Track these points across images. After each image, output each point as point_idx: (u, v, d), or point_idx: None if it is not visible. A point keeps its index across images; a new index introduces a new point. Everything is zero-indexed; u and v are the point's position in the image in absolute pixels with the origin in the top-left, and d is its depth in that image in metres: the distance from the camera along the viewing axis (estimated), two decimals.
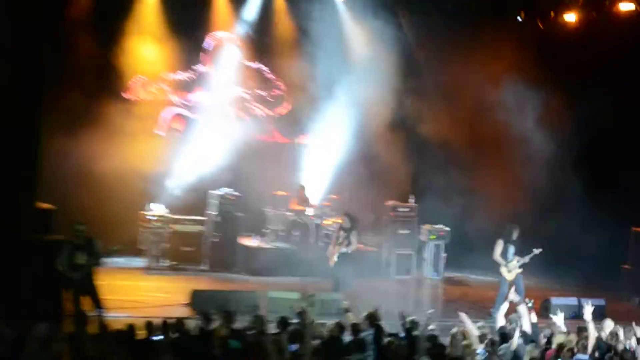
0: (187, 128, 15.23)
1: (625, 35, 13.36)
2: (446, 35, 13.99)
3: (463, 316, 7.86)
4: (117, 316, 8.81)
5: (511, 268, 10.51)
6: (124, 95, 14.34)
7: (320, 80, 14.18)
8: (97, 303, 9.28)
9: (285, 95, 15.23)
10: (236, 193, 13.61)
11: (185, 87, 15.28)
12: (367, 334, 6.89)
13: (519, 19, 14.64)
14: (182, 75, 15.19)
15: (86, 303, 9.16)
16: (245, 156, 14.05)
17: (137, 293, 11.05)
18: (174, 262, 13.18)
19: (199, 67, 15.27)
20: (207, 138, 14.83)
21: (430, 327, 7.13)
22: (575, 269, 13.28)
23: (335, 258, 10.85)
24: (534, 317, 8.22)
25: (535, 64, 13.75)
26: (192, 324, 7.14)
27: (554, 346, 7.02)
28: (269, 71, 15.27)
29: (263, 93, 15.43)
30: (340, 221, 11.98)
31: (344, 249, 10.72)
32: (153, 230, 12.95)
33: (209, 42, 15.19)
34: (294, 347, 6.56)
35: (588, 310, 7.59)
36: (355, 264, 11.28)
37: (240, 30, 15.31)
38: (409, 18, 14.39)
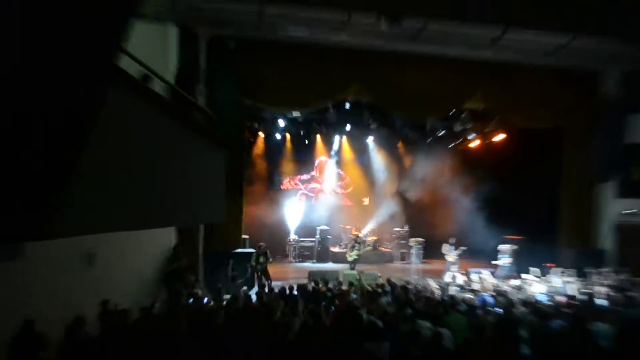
0: (307, 201, 23.72)
1: (499, 151, 21.49)
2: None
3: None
4: (275, 284, 13.49)
5: (452, 257, 17.22)
6: (281, 187, 23.31)
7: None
8: (268, 277, 14.70)
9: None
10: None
11: (307, 181, 24.17)
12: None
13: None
14: (305, 176, 24.15)
15: (264, 277, 14.71)
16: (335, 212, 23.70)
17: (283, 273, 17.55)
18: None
19: (312, 173, 24.31)
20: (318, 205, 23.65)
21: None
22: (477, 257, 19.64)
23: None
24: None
25: (458, 167, 23.18)
26: (310, 287, 11.44)
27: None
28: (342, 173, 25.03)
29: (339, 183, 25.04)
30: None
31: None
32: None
33: (316, 161, 24.25)
34: (354, 295, 10.59)
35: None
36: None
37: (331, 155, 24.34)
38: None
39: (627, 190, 17.93)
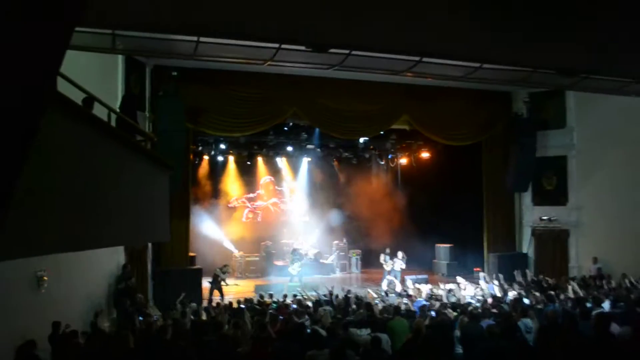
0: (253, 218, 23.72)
1: (427, 166, 22.26)
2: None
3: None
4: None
5: (389, 266, 17.47)
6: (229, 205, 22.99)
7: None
8: (222, 294, 15.04)
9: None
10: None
11: (252, 199, 23.95)
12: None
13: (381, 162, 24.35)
14: (251, 194, 23.91)
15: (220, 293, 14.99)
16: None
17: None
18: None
19: (258, 191, 24.20)
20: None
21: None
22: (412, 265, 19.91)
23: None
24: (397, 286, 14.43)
25: (391, 182, 24.37)
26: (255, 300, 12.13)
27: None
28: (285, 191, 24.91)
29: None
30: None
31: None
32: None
33: (261, 180, 24.20)
34: (294, 306, 10.89)
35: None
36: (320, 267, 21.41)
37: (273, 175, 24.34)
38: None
39: (542, 199, 18.76)
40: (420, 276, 17.76)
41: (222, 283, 15.49)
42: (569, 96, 17.90)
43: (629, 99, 14.55)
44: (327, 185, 24.66)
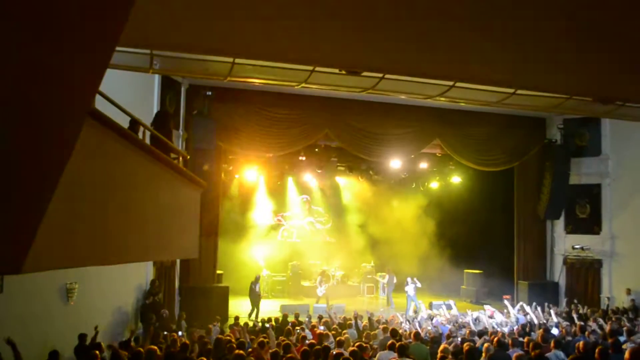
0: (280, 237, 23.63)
1: (455, 191, 22.30)
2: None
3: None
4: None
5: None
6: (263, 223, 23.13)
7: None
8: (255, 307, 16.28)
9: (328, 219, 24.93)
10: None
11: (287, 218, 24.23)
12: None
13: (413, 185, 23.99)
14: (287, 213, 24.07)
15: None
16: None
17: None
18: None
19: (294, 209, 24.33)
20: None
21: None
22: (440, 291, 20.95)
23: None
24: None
25: (420, 206, 23.22)
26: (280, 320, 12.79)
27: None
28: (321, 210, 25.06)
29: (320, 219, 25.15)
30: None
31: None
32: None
33: (299, 198, 24.27)
34: (322, 328, 10.76)
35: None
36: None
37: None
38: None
39: (575, 227, 18.44)
40: (448, 301, 17.30)
41: (257, 292, 16.35)
42: (605, 123, 17.67)
43: None
44: (357, 207, 24.61)
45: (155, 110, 13.32)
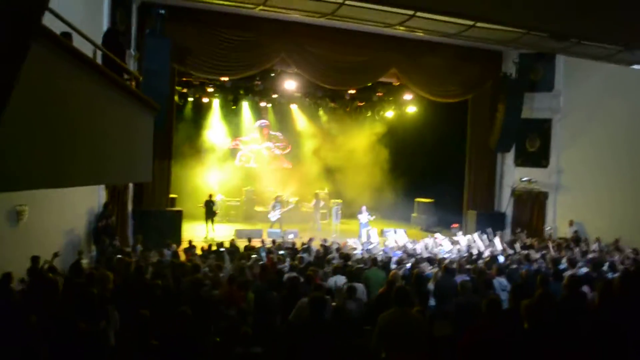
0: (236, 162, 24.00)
1: (412, 122, 22.70)
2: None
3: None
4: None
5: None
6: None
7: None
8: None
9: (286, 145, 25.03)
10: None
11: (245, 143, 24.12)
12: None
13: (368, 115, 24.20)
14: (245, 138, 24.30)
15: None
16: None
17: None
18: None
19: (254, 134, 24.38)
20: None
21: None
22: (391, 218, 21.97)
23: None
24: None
25: (375, 135, 23.43)
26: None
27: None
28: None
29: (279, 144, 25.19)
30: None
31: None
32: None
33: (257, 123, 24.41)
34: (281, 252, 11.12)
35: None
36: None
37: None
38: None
39: (524, 160, 18.94)
40: (399, 229, 17.81)
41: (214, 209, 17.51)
42: (559, 60, 17.83)
43: (618, 69, 14.56)
44: (313, 134, 24.67)
45: (104, 29, 12.73)
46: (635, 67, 13.79)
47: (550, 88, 18.29)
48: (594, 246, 13.41)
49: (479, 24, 11.29)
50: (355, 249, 13.05)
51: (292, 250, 11.99)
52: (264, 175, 23.69)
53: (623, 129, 15.98)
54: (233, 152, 23.77)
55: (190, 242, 13.30)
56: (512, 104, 17.97)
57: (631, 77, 15.08)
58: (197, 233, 17.08)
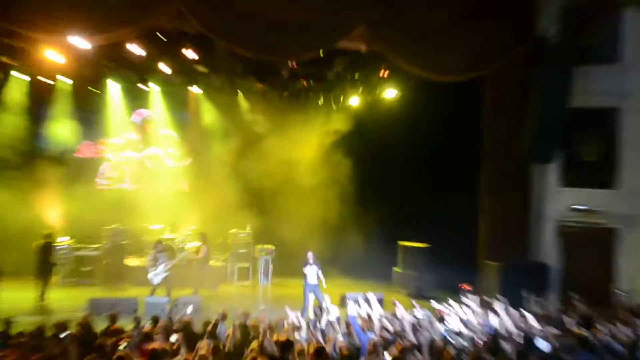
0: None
1: (388, 113, 22.12)
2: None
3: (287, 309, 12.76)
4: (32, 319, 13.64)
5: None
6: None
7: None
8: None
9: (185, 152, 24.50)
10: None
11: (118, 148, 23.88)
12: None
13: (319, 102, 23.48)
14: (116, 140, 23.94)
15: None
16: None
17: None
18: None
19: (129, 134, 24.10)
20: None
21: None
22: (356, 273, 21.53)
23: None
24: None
25: (330, 136, 22.95)
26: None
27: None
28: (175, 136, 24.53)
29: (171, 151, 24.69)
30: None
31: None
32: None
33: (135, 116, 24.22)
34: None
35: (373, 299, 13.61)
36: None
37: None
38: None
39: (576, 177, 18.33)
40: (371, 294, 16.94)
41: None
42: (627, 18, 17.72)
43: None
44: (227, 136, 24.41)
45: None
46: None
47: (613, 59, 17.93)
48: None
49: None
50: (298, 328, 12.19)
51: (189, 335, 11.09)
52: (147, 204, 22.85)
53: None
54: (91, 165, 23.38)
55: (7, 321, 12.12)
56: (553, 85, 17.50)
57: None
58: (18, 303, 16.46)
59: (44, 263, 17.63)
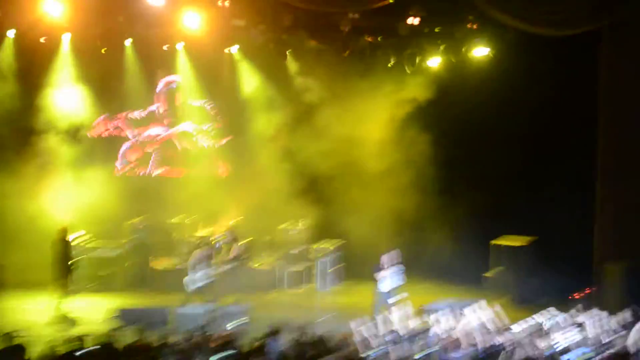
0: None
1: (478, 77, 22.13)
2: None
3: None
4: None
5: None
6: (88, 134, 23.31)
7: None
8: None
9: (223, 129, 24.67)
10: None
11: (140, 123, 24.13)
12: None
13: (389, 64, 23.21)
14: (138, 113, 24.46)
15: None
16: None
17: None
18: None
19: (152, 107, 24.23)
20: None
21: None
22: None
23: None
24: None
25: (405, 106, 23.11)
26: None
27: None
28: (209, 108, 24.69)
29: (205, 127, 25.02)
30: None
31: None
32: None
33: (160, 84, 24.32)
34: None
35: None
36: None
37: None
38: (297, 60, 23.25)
39: None
40: (458, 302, 16.97)
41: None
42: None
43: None
44: (274, 108, 24.34)
45: None
46: None
47: None
48: None
49: None
50: (369, 343, 12.02)
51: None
52: (175, 194, 23.24)
53: None
54: (109, 146, 23.43)
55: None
56: None
57: None
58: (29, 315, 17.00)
59: (62, 263, 17.67)
